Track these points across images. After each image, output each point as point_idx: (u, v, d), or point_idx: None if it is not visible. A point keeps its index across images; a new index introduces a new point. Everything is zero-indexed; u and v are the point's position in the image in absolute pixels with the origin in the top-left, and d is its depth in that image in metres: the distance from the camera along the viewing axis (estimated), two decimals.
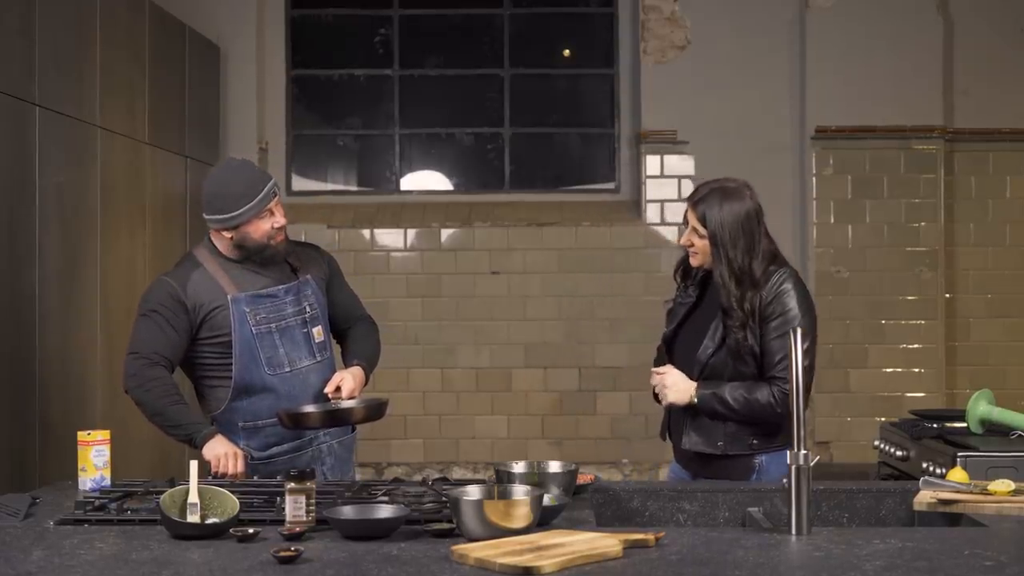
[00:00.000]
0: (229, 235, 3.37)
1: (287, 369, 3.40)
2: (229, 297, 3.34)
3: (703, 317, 3.31)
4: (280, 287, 3.43)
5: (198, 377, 3.45)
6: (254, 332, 3.35)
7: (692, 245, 3.28)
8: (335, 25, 6.95)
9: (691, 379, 3.25)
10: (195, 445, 3.32)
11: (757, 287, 3.19)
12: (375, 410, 3.42)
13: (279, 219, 3.38)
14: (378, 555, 2.32)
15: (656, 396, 3.33)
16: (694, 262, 3.31)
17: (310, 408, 3.37)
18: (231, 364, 3.35)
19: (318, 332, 3.48)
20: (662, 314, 3.52)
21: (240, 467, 3.26)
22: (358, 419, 3.44)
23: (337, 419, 3.39)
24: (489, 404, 6.52)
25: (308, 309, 3.46)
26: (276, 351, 3.38)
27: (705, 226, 3.21)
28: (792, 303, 3.18)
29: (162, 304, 3.33)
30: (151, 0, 5.34)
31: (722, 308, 3.22)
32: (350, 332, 3.68)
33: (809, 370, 3.15)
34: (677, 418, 3.34)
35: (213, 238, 3.44)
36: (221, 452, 3.26)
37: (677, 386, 3.24)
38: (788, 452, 3.21)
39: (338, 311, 3.63)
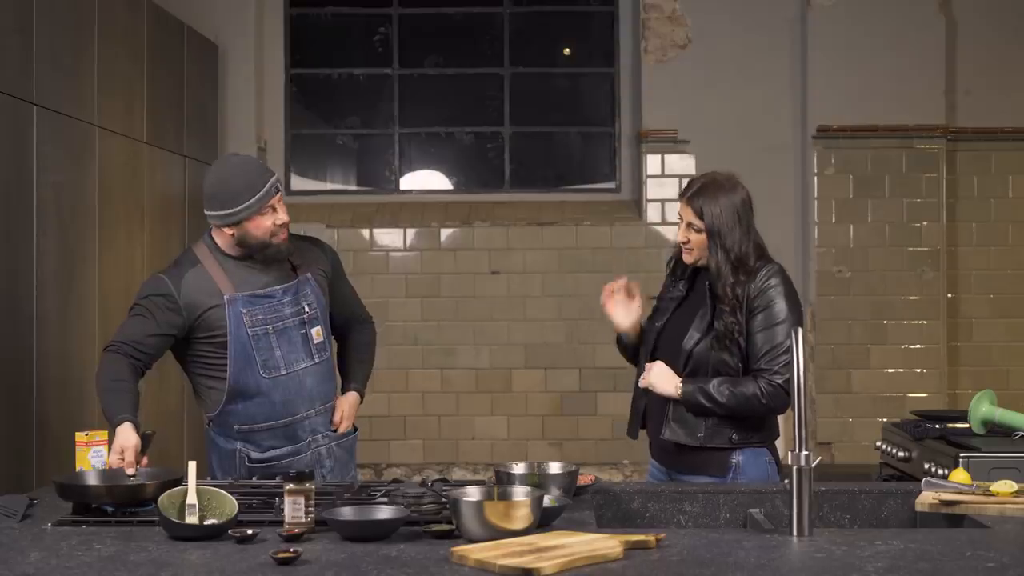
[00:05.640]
0: (230, 232, 3.29)
1: (283, 372, 3.34)
2: (225, 297, 3.28)
3: (690, 310, 3.33)
4: (279, 287, 3.35)
5: (196, 375, 3.40)
6: (250, 334, 3.29)
7: (688, 241, 3.29)
8: (334, 24, 6.94)
9: (676, 372, 3.24)
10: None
11: (750, 275, 3.22)
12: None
13: (281, 216, 3.30)
14: (377, 556, 2.31)
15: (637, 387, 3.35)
16: (688, 259, 3.32)
17: (94, 481, 2.86)
18: (227, 365, 3.29)
19: (317, 333, 3.41)
20: None
21: (128, 460, 2.95)
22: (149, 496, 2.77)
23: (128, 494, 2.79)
24: (489, 405, 6.51)
25: (307, 309, 3.39)
26: (272, 353, 3.31)
27: (702, 219, 3.23)
28: (779, 299, 3.21)
29: (150, 299, 3.28)
30: None
31: (714, 295, 3.24)
32: (348, 341, 3.65)
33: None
34: (656, 410, 3.33)
35: (214, 234, 3.36)
36: (117, 445, 2.99)
37: (662, 376, 3.24)
38: (767, 450, 3.28)
39: (338, 309, 3.57)
